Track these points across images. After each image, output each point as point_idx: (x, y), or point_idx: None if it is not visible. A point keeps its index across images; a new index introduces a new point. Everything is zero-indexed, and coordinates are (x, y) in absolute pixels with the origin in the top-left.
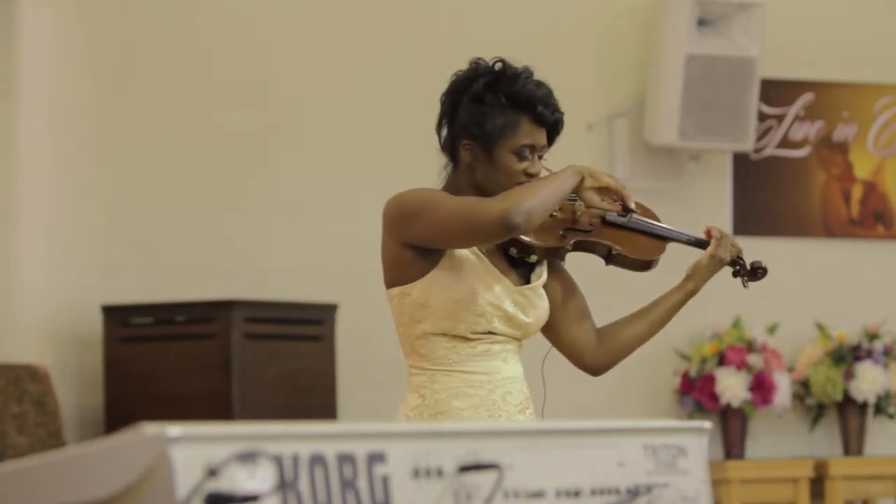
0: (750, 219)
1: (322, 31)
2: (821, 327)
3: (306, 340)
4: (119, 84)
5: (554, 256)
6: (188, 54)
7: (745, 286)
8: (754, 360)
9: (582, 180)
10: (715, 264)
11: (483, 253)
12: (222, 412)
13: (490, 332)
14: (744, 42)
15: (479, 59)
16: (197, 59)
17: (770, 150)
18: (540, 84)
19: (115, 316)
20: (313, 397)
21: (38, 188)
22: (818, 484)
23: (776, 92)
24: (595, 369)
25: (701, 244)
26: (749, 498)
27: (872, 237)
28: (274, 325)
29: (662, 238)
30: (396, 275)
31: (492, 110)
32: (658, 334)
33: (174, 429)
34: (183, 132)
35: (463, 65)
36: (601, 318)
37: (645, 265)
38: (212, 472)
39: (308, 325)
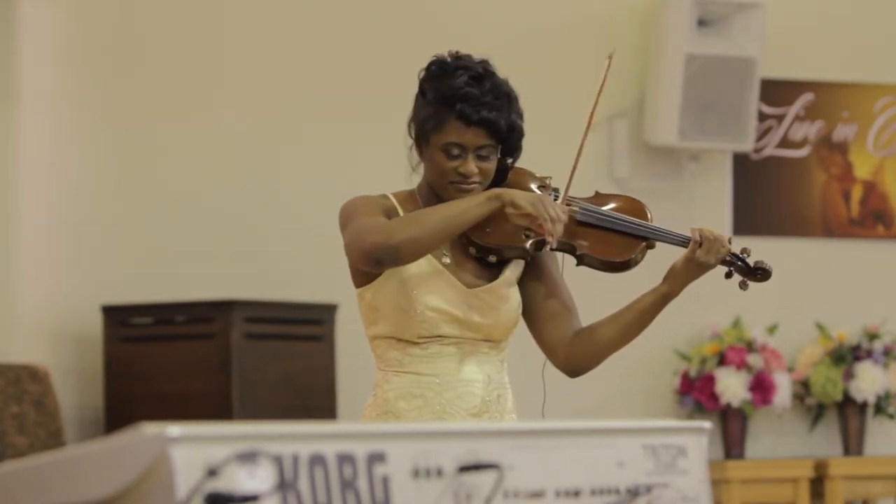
0: (750, 219)
1: (322, 31)
2: (821, 327)
3: (306, 340)
4: (119, 84)
5: (518, 257)
6: (188, 54)
7: (741, 287)
8: (754, 360)
9: (502, 206)
10: (693, 267)
11: (447, 251)
12: (222, 412)
13: (439, 336)
14: (744, 42)
15: (440, 53)
16: (197, 59)
17: (770, 150)
18: (481, 80)
19: (115, 316)
20: (313, 397)
21: (38, 188)
22: (818, 484)
23: (776, 92)
24: (570, 370)
25: (682, 243)
26: (749, 498)
27: (872, 237)
28: (274, 325)
29: (640, 237)
30: (353, 277)
31: (425, 105)
32: (658, 335)
33: (174, 429)
34: (183, 132)
35: None
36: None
37: (616, 266)
38: (212, 472)
39: (308, 325)
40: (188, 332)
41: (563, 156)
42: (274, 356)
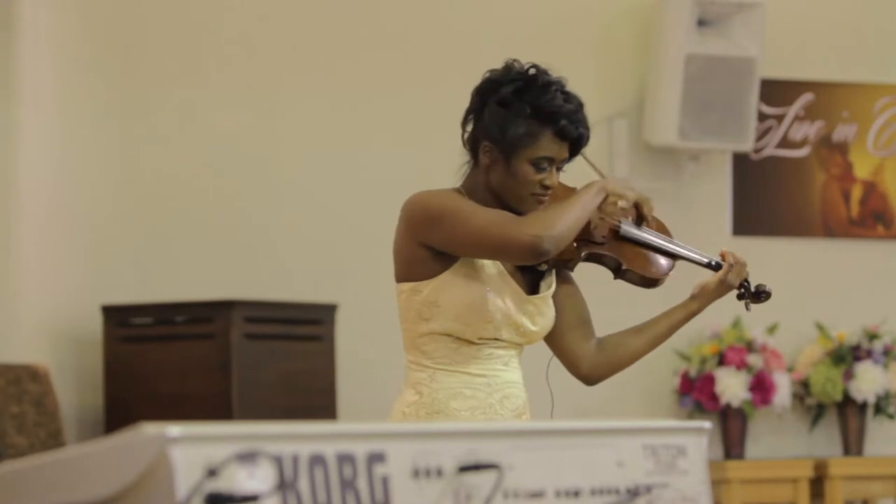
0: (750, 219)
1: (323, 31)
2: (821, 327)
3: (306, 340)
4: (118, 84)
5: (564, 266)
6: (188, 54)
7: (747, 309)
8: (754, 360)
9: (606, 198)
10: (723, 289)
11: None
12: (222, 412)
13: (496, 339)
14: (744, 42)
15: (514, 60)
16: (197, 59)
17: (770, 150)
18: (569, 97)
19: (115, 316)
20: (313, 397)
21: (38, 188)
22: (818, 484)
23: (776, 92)
24: (590, 379)
25: (712, 266)
26: (749, 498)
27: (872, 237)
28: (274, 325)
29: (674, 257)
30: (409, 270)
31: (516, 118)
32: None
33: (174, 429)
34: (183, 132)
35: (461, 66)
36: (603, 328)
37: (652, 282)
38: (212, 472)
39: (308, 325)
40: (188, 332)
41: None
42: (274, 356)
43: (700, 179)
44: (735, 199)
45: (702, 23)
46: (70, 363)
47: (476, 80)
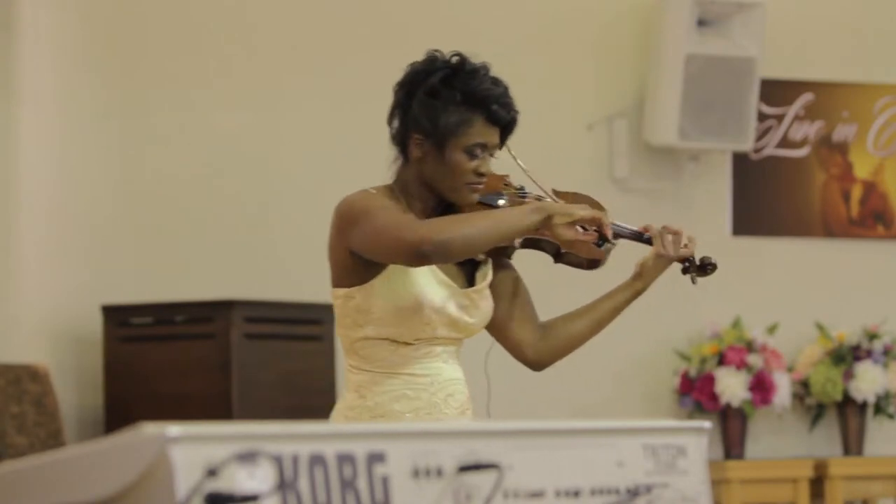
0: (749, 219)
1: (323, 30)
2: (820, 327)
3: (306, 340)
4: (118, 84)
5: (502, 254)
6: (188, 54)
7: (693, 282)
8: (754, 360)
9: (549, 218)
10: (663, 262)
11: None
12: (222, 412)
13: (434, 337)
14: (744, 42)
15: (436, 51)
16: (197, 59)
17: (770, 150)
18: (497, 82)
19: (115, 316)
20: (313, 397)
21: (38, 188)
22: (818, 484)
23: (776, 92)
24: (536, 365)
25: (644, 241)
26: (749, 498)
27: (872, 237)
28: (274, 325)
29: (613, 235)
30: (341, 276)
31: (445, 106)
32: (658, 335)
33: (174, 429)
34: (182, 132)
35: None
36: (546, 313)
37: (593, 263)
38: (211, 472)
39: (308, 325)
40: (188, 332)
41: (562, 154)
42: (274, 356)
43: (700, 179)
44: (735, 199)
45: (702, 23)
46: (70, 363)
47: None
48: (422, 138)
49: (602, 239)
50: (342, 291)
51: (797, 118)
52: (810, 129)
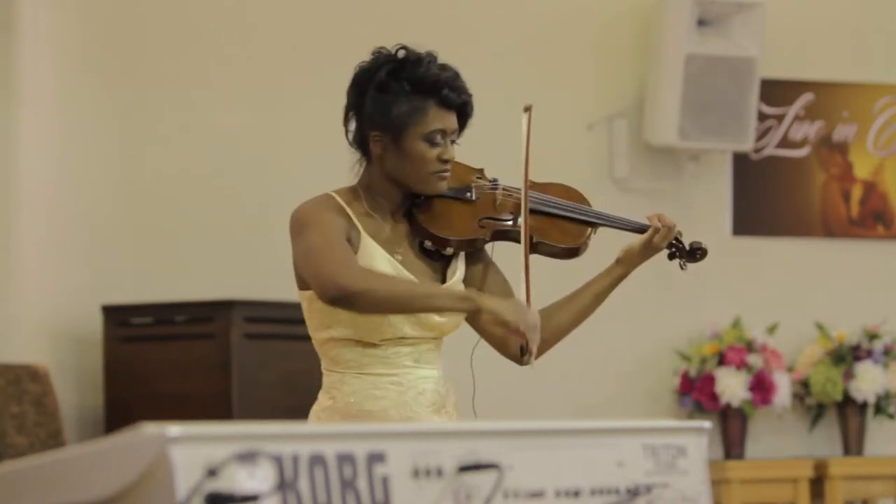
0: (750, 219)
1: (323, 30)
2: (821, 327)
3: (306, 340)
4: (118, 84)
5: (471, 248)
6: (188, 54)
7: (682, 268)
8: (754, 360)
9: (478, 311)
10: (649, 251)
11: (399, 249)
12: (222, 412)
13: (401, 337)
14: (744, 42)
15: (381, 48)
16: (197, 59)
17: (770, 150)
18: (445, 67)
19: (115, 316)
20: (313, 397)
21: (38, 188)
22: (818, 484)
23: (776, 92)
24: (522, 360)
25: (637, 229)
26: (749, 498)
27: (872, 237)
28: (274, 325)
29: (590, 224)
30: (304, 279)
31: (396, 98)
32: (658, 335)
33: (174, 429)
34: (182, 132)
35: (461, 66)
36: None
37: (570, 252)
38: (212, 472)
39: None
40: (188, 332)
41: (562, 154)
42: (274, 356)
43: (700, 179)
44: (735, 199)
45: (702, 23)
46: (70, 363)
47: (476, 79)
48: (379, 134)
49: (525, 346)
50: (307, 294)
51: (797, 118)
52: (810, 129)
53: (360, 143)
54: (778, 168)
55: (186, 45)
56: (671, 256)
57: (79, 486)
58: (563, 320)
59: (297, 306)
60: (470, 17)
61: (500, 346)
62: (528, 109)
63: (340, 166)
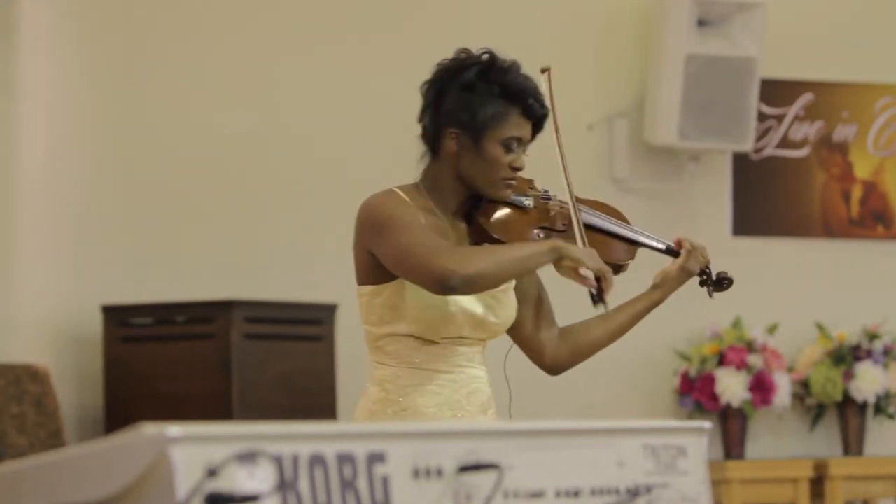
0: (750, 219)
1: (323, 30)
2: (821, 327)
3: (306, 340)
4: (118, 84)
5: None
6: (187, 54)
7: (710, 296)
8: (754, 360)
9: (560, 259)
10: (684, 276)
11: None
12: (222, 412)
13: (460, 337)
14: (744, 42)
15: (465, 49)
16: (196, 59)
17: (770, 151)
18: (528, 78)
19: (115, 316)
20: (313, 397)
21: (38, 188)
22: (818, 484)
23: (776, 92)
24: (554, 369)
25: (671, 253)
26: (749, 498)
27: (872, 237)
28: (274, 325)
29: (635, 243)
30: (367, 274)
31: (483, 99)
32: (658, 335)
33: (174, 429)
34: (182, 132)
35: None
36: (565, 318)
37: (615, 269)
38: (212, 473)
39: (308, 325)
40: (188, 332)
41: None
42: (274, 356)
43: (700, 179)
44: (735, 200)
45: (702, 23)
46: (70, 363)
47: None
48: (458, 132)
49: (599, 294)
50: (368, 289)
51: (797, 118)
52: (810, 130)
53: (433, 139)
54: (778, 168)
55: (186, 45)
56: (702, 284)
57: (79, 486)
58: (600, 335)
59: (297, 306)
60: (470, 18)
61: (533, 353)
62: (545, 71)
63: (341, 166)
